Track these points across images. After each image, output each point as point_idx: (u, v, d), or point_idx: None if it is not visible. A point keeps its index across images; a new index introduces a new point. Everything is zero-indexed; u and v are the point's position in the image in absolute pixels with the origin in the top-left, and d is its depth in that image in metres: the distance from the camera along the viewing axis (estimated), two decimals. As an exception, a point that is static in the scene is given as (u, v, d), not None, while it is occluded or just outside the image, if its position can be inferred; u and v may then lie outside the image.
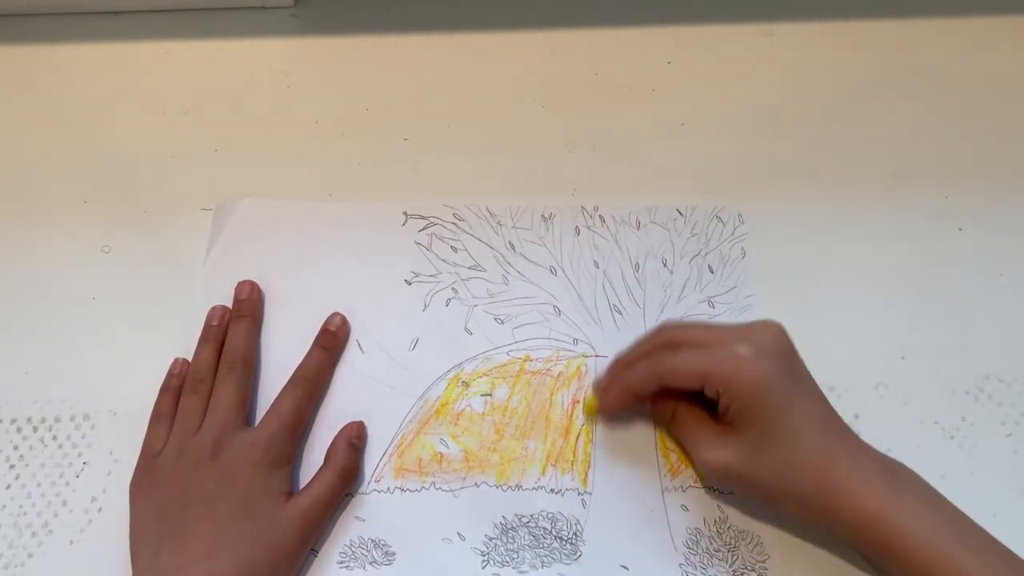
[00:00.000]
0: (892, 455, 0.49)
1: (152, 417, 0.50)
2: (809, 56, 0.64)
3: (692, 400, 0.47)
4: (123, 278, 0.56)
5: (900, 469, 0.44)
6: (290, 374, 0.51)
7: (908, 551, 0.42)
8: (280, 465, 0.47)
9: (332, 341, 0.52)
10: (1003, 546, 0.42)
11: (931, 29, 0.65)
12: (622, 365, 0.49)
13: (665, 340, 0.47)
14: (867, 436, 0.51)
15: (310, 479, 0.48)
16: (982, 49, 0.64)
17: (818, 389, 0.46)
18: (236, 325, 0.53)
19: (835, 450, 0.44)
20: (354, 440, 0.49)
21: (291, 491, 0.47)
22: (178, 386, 0.51)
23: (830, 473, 0.43)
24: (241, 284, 0.54)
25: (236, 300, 0.54)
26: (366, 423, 0.51)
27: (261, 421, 0.49)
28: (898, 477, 0.44)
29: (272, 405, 0.50)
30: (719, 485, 0.49)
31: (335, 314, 0.53)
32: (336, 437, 0.50)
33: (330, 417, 0.51)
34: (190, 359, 0.52)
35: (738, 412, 0.44)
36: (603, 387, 0.49)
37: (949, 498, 0.44)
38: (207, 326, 0.53)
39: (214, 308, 0.53)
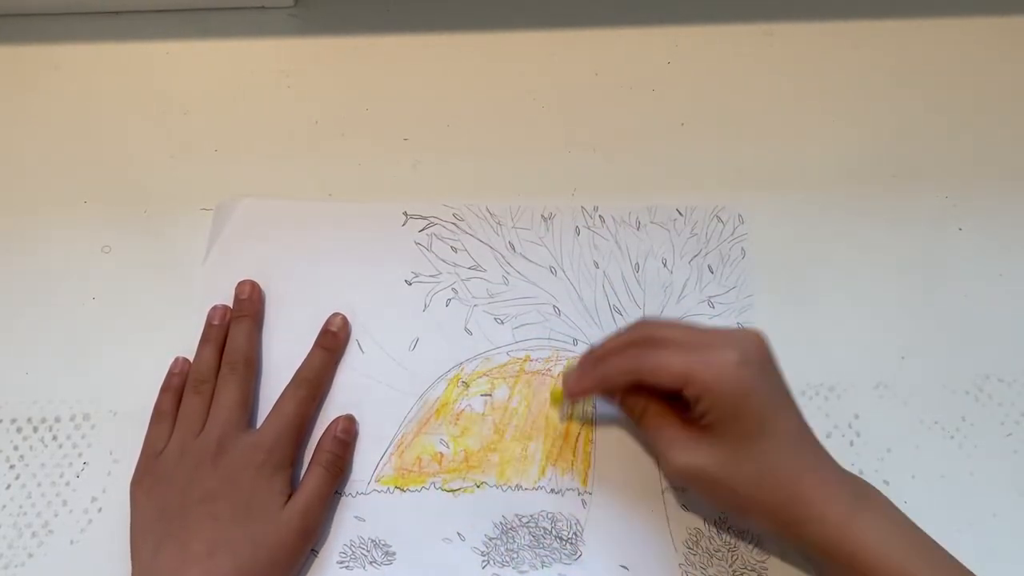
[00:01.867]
0: (892, 455, 0.50)
1: (153, 416, 0.50)
2: (809, 56, 0.64)
3: (663, 399, 0.46)
4: (123, 278, 0.56)
5: (868, 489, 0.44)
6: (291, 374, 0.51)
7: (871, 568, 0.42)
8: (283, 467, 0.47)
9: (333, 341, 0.52)
10: (965, 568, 0.42)
11: (931, 29, 0.65)
12: (596, 358, 0.48)
13: (645, 336, 0.46)
14: (867, 436, 0.51)
15: (301, 478, 0.48)
16: (982, 49, 0.64)
17: (795, 403, 0.45)
18: (237, 325, 0.53)
19: (808, 465, 0.44)
20: (340, 434, 0.49)
21: (292, 493, 0.47)
22: (179, 385, 0.51)
23: (801, 487, 0.43)
24: (242, 284, 0.54)
25: (237, 300, 0.54)
26: (366, 423, 0.51)
27: (264, 422, 0.49)
28: (866, 496, 0.44)
29: (274, 406, 0.50)
30: (688, 486, 0.48)
31: (336, 314, 0.53)
32: (324, 432, 0.50)
33: (331, 417, 0.51)
34: (191, 358, 0.52)
35: (717, 418, 0.43)
36: (576, 376, 0.48)
37: (949, 498, 0.44)
38: (208, 326, 0.53)
39: (215, 308, 0.53)
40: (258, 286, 0.54)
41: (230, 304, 0.54)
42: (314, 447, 0.50)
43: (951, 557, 0.43)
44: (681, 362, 0.44)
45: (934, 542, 0.43)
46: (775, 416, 0.44)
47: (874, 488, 0.45)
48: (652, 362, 0.45)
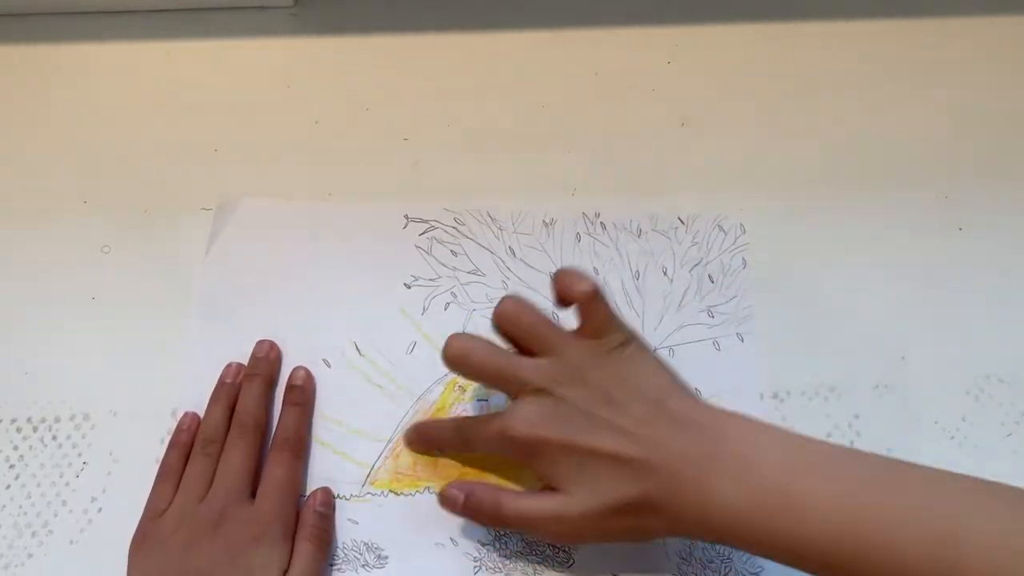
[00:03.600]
0: (892, 455, 0.49)
1: (158, 475, 0.49)
2: (809, 56, 0.64)
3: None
4: (123, 278, 0.56)
5: (712, 445, 0.42)
6: (287, 380, 0.52)
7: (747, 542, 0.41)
8: (283, 539, 0.46)
9: (302, 396, 0.51)
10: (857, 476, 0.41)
11: (931, 29, 0.65)
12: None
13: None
14: (867, 436, 0.51)
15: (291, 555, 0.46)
16: (982, 49, 0.64)
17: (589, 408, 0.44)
18: (250, 384, 0.51)
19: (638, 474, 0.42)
20: (320, 507, 0.48)
21: (288, 567, 0.46)
22: (187, 442, 0.50)
23: (640, 500, 0.42)
24: (260, 343, 0.53)
25: (253, 357, 0.53)
26: (362, 425, 0.51)
27: (259, 493, 0.48)
28: (712, 456, 0.42)
29: (264, 475, 0.48)
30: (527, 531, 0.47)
31: (297, 368, 0.52)
32: (303, 506, 0.48)
33: (328, 418, 0.51)
34: (198, 411, 0.51)
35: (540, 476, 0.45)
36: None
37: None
38: (220, 383, 0.52)
39: (229, 365, 0.52)
40: (276, 346, 0.53)
41: (230, 301, 0.54)
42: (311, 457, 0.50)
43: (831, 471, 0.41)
44: (482, 442, 0.47)
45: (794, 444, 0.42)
46: (581, 440, 0.43)
47: (725, 427, 0.43)
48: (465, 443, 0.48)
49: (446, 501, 0.46)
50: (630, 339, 0.46)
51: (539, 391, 0.44)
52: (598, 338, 0.45)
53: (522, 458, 0.45)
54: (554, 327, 0.47)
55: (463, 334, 0.48)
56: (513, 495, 0.45)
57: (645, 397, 0.44)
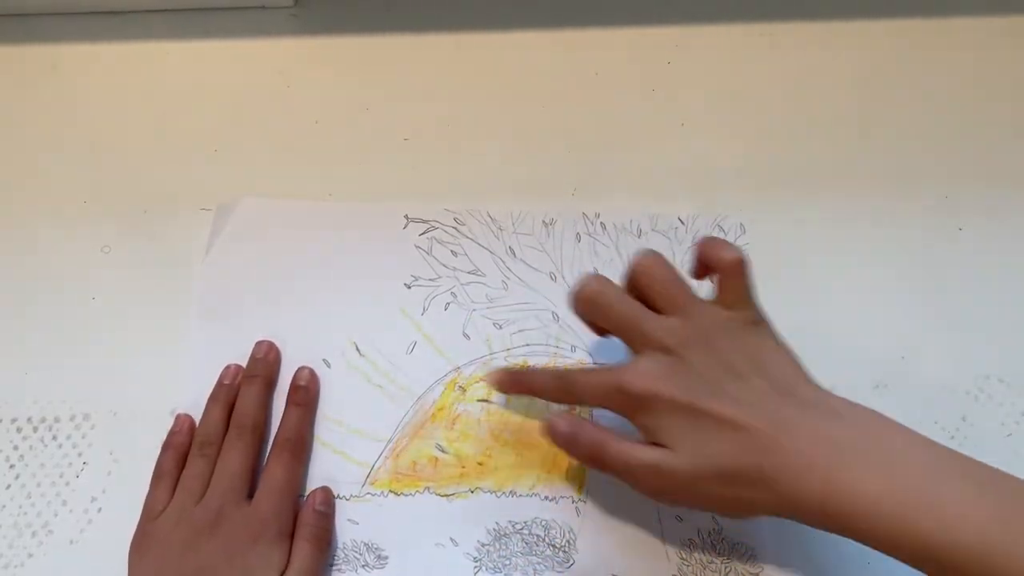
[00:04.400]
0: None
1: (153, 477, 0.49)
2: (809, 56, 0.64)
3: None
4: (123, 278, 0.56)
5: (852, 431, 0.41)
6: (288, 379, 0.52)
7: (883, 537, 0.39)
8: (281, 539, 0.46)
9: (305, 396, 0.51)
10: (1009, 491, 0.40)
11: (931, 29, 0.65)
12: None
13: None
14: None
15: (289, 554, 0.46)
16: (982, 49, 0.64)
17: (741, 367, 0.43)
18: (248, 386, 0.51)
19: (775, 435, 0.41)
20: (319, 507, 0.48)
21: (286, 567, 0.46)
22: (180, 444, 0.50)
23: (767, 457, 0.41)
24: (259, 343, 0.53)
25: (252, 359, 0.52)
26: (362, 425, 0.51)
27: (258, 492, 0.48)
28: (851, 445, 0.40)
29: (263, 475, 0.48)
30: (634, 483, 0.45)
31: (302, 368, 0.52)
32: (303, 506, 0.48)
33: (328, 418, 0.51)
34: (191, 413, 0.51)
35: (646, 431, 0.43)
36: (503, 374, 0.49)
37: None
38: (219, 384, 0.52)
39: (227, 367, 0.52)
40: (276, 347, 0.53)
41: (231, 301, 0.54)
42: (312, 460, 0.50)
43: (981, 480, 0.40)
44: (589, 393, 0.45)
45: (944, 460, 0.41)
46: (705, 404, 0.42)
47: (862, 418, 0.42)
48: (569, 392, 0.46)
49: (553, 431, 0.45)
50: (763, 320, 0.45)
51: (664, 348, 0.43)
52: (733, 310, 0.44)
53: (629, 412, 0.44)
54: (688, 289, 0.46)
55: (598, 276, 0.47)
56: (618, 438, 0.44)
57: (773, 376, 0.43)
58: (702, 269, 0.46)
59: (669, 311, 0.45)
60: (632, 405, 0.43)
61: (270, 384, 0.52)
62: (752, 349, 0.44)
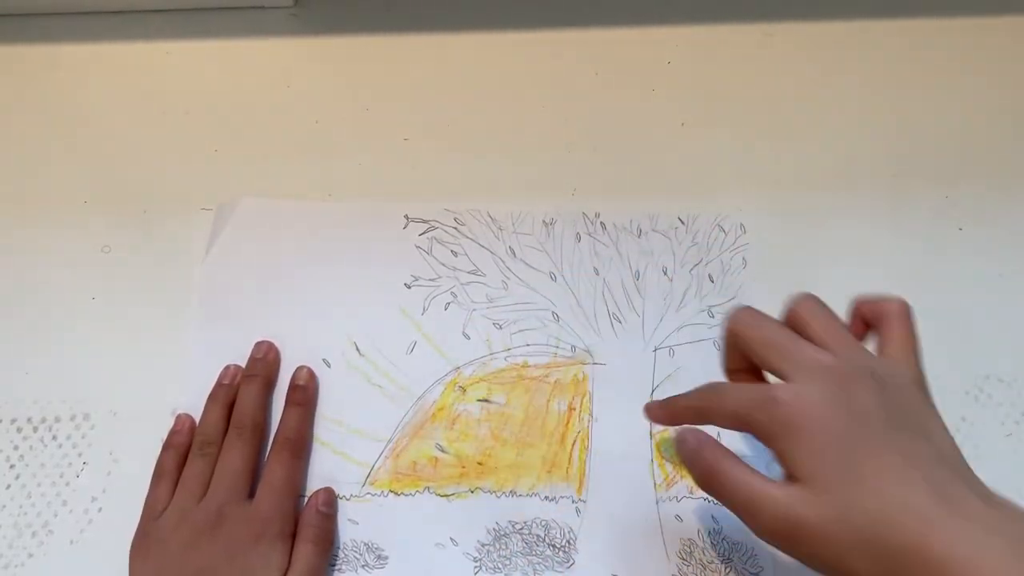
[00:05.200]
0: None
1: (154, 476, 0.49)
2: (809, 56, 0.64)
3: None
4: (123, 278, 0.56)
5: None
6: (287, 379, 0.52)
7: None
8: (281, 538, 0.46)
9: (304, 396, 0.51)
10: None
11: (931, 29, 0.65)
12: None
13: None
14: (866, 436, 0.51)
15: (290, 555, 0.46)
16: (982, 49, 0.64)
17: (911, 423, 0.37)
18: (248, 386, 0.51)
19: (930, 506, 0.34)
20: (322, 507, 0.48)
21: (288, 566, 0.45)
22: (180, 444, 0.50)
23: (925, 538, 0.33)
24: (259, 344, 0.53)
25: (251, 359, 0.52)
26: (362, 425, 0.51)
27: (258, 492, 0.47)
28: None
29: (264, 474, 0.48)
30: (780, 546, 0.38)
31: (301, 367, 0.52)
32: (305, 506, 0.48)
33: (328, 418, 0.51)
34: (191, 413, 0.51)
35: (791, 463, 0.37)
36: (654, 406, 0.44)
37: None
38: (218, 385, 0.52)
39: (227, 368, 0.52)
40: (275, 347, 0.53)
41: (233, 300, 0.54)
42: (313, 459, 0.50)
43: None
44: (734, 401, 0.40)
45: None
46: (865, 448, 0.36)
47: None
48: (711, 402, 0.41)
49: (679, 443, 0.41)
50: (926, 385, 0.40)
51: (825, 377, 0.38)
52: (898, 360, 0.40)
53: (770, 436, 0.38)
54: (850, 333, 0.41)
55: (752, 308, 0.42)
56: (739, 465, 0.39)
57: (939, 446, 0.37)
58: (860, 324, 0.43)
59: (829, 347, 0.40)
60: (776, 428, 0.38)
61: (269, 384, 0.52)
62: (919, 407, 0.39)
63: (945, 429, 0.38)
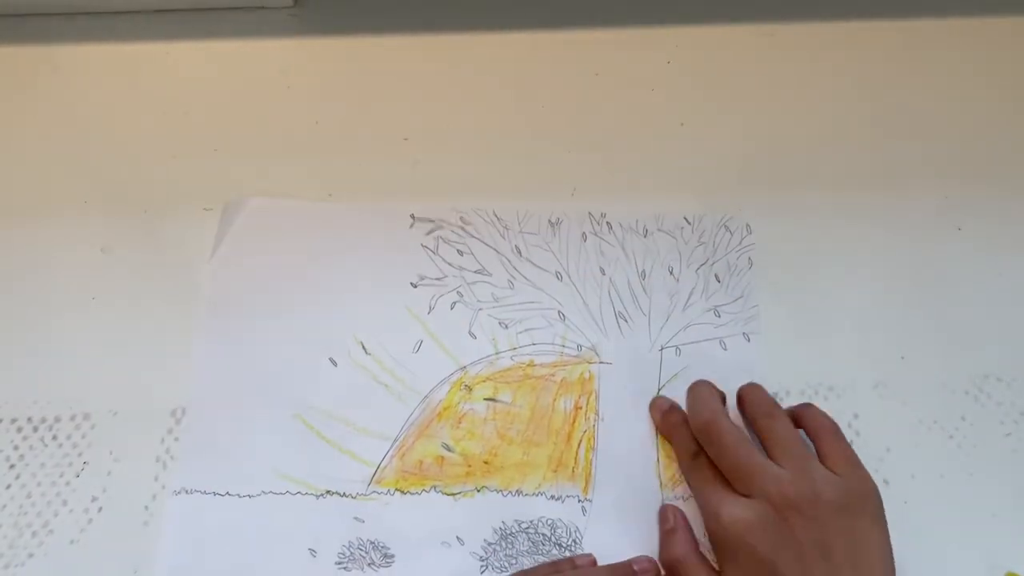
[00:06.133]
0: (892, 455, 0.49)
1: None
2: (809, 56, 0.64)
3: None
4: (123, 278, 0.56)
5: None
6: (292, 379, 0.52)
7: None
8: None
9: None
10: None
11: (931, 29, 0.65)
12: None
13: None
14: (867, 436, 0.51)
15: None
16: (982, 49, 0.65)
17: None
18: None
19: None
20: None
21: None
22: None
23: None
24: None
25: None
26: (368, 424, 0.51)
27: None
28: None
29: None
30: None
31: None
32: None
33: (335, 417, 0.51)
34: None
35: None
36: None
37: (949, 498, 0.43)
38: None
39: None
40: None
41: (234, 300, 0.54)
42: (320, 450, 0.50)
43: None
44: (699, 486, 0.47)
45: None
46: (783, 567, 0.42)
47: None
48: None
49: (662, 515, 0.48)
50: (873, 489, 0.45)
51: (770, 503, 0.44)
52: (843, 475, 0.45)
53: (716, 542, 0.45)
54: (806, 449, 0.47)
55: (710, 398, 0.49)
56: (702, 563, 0.45)
57: (863, 572, 0.43)
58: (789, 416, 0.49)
59: (783, 463, 0.45)
60: (719, 538, 0.44)
61: None
62: (856, 535, 0.43)
63: (881, 549, 0.43)
